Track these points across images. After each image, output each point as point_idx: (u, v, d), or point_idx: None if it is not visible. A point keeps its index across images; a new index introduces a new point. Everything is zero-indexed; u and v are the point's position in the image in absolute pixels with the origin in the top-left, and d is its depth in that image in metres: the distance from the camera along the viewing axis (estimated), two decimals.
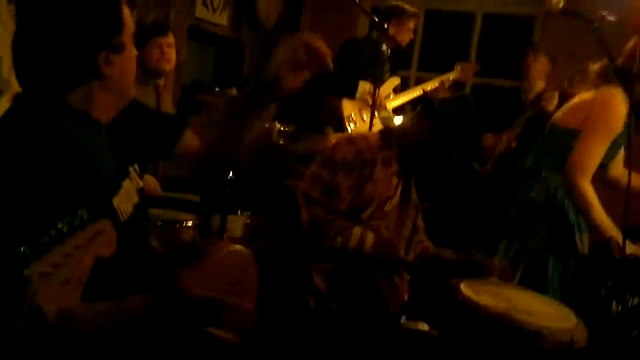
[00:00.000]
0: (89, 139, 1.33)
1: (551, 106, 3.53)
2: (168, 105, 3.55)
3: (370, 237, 2.01)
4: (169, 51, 3.32)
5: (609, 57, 2.22)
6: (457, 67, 4.07)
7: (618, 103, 2.42)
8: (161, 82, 3.34)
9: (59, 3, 1.29)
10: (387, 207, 2.14)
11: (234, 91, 4.58)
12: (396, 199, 2.18)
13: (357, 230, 2.01)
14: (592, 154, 2.48)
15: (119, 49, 1.34)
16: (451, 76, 4.06)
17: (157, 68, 3.30)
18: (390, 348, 1.96)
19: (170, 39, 3.32)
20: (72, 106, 1.32)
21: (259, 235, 2.10)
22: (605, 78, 2.52)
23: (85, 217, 0.96)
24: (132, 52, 1.40)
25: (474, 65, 4.19)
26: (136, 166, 1.51)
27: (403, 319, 2.07)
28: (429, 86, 4.04)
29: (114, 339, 1.23)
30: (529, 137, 3.65)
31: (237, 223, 2.93)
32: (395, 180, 2.17)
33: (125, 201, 1.38)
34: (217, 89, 4.57)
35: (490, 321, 1.83)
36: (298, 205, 1.97)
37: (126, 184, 1.41)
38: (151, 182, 3.08)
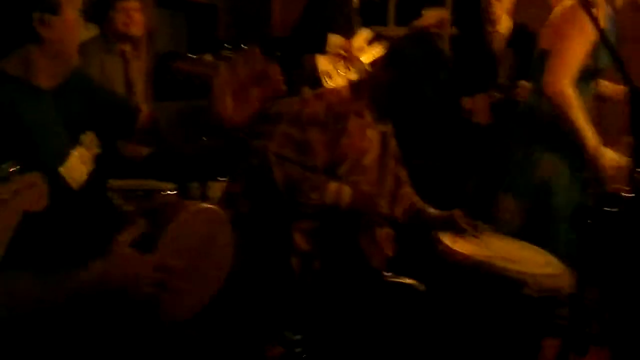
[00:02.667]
0: (28, 106, 1.29)
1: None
2: (139, 75, 3.48)
3: (346, 192, 1.98)
4: (135, 15, 3.24)
5: None
6: (424, 15, 3.93)
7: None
8: (127, 48, 3.27)
9: None
10: (366, 161, 2.10)
11: (209, 57, 4.51)
12: (374, 151, 2.14)
13: (332, 186, 1.98)
14: (567, 56, 2.35)
15: (55, 9, 1.30)
16: (418, 22, 3.91)
17: (124, 32, 3.22)
18: (374, 305, 1.96)
19: (135, 3, 3.24)
20: (9, 73, 1.29)
21: (236, 199, 2.05)
22: None
23: (13, 169, 0.93)
24: (71, 15, 1.35)
25: (443, 12, 4.02)
26: (91, 134, 1.46)
27: (389, 274, 2.07)
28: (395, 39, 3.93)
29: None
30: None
31: (216, 189, 2.90)
32: (371, 133, 2.12)
33: (75, 169, 1.34)
34: (191, 56, 4.49)
35: (472, 270, 1.83)
36: (270, 165, 1.94)
37: (77, 151, 1.37)
38: (135, 148, 3.03)
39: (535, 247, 2.07)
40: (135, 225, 1.37)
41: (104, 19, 3.17)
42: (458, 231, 2.06)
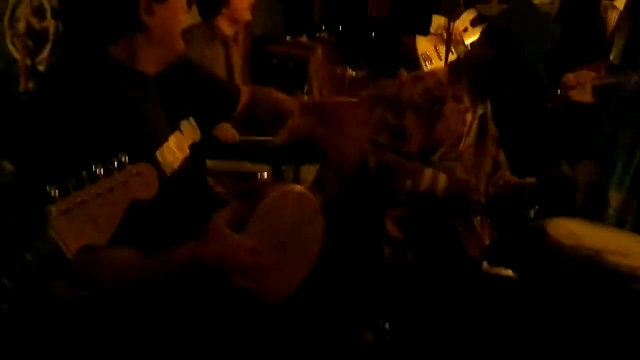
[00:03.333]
0: (132, 91, 1.30)
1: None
2: (237, 59, 3.52)
3: (442, 179, 1.91)
4: None
5: None
6: None
7: None
8: (230, 33, 3.30)
9: None
10: (462, 146, 2.01)
11: (304, 39, 4.51)
12: (472, 136, 2.05)
13: (428, 172, 1.91)
14: None
15: None
16: None
17: (245, 18, 3.24)
18: (471, 296, 1.88)
19: None
20: (114, 59, 1.30)
21: (327, 184, 2.02)
22: None
23: (124, 160, 0.95)
24: (177, 2, 1.34)
25: None
26: (191, 120, 1.47)
27: (485, 265, 1.98)
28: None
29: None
30: None
31: (310, 172, 2.89)
32: (469, 117, 2.03)
33: (170, 154, 1.35)
34: (287, 37, 4.51)
35: (580, 264, 1.72)
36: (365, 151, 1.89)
37: (174, 137, 1.38)
38: (228, 130, 3.06)
39: None
40: (230, 206, 1.37)
41: (226, 5, 3.17)
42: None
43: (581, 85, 3.45)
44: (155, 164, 1.29)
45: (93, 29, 1.28)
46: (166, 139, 1.35)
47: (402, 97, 1.94)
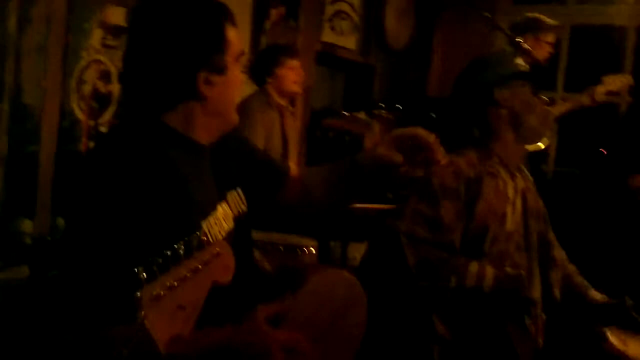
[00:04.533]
0: (186, 159, 1.30)
1: None
2: (294, 131, 3.55)
3: (490, 273, 1.77)
4: (301, 72, 3.34)
5: None
6: (606, 80, 3.61)
7: None
8: (285, 104, 3.35)
9: (165, 21, 1.28)
10: (509, 225, 1.88)
11: (362, 115, 4.52)
12: (518, 213, 1.92)
13: (473, 266, 1.77)
14: None
15: (221, 69, 1.30)
16: (600, 89, 3.59)
17: (292, 90, 3.32)
18: None
19: (298, 61, 3.33)
20: (170, 126, 1.30)
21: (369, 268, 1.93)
22: None
23: (203, 238, 0.91)
24: (235, 75, 1.35)
25: (627, 78, 3.67)
26: (239, 191, 1.45)
27: None
28: (577, 100, 3.62)
29: None
30: None
31: (357, 250, 2.82)
32: (511, 192, 1.92)
33: (217, 225, 1.32)
34: (345, 113, 4.54)
35: None
36: (402, 247, 1.78)
37: (221, 207, 1.36)
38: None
39: None
40: (282, 301, 1.31)
41: (270, 75, 3.26)
42: (626, 324, 1.78)
43: None
44: (202, 233, 1.26)
45: (151, 95, 1.29)
46: (214, 209, 1.33)
47: (433, 184, 1.84)
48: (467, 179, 1.85)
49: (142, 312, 0.78)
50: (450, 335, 1.79)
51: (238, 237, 1.40)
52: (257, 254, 2.04)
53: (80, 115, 3.10)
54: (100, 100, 3.14)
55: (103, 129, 3.12)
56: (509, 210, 1.90)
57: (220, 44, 1.30)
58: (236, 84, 1.36)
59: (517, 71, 1.94)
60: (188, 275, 0.83)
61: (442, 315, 1.81)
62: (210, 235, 1.29)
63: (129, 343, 0.79)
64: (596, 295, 1.98)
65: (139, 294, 0.78)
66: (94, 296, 1.08)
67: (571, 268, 2.07)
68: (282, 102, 3.34)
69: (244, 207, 1.45)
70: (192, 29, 1.27)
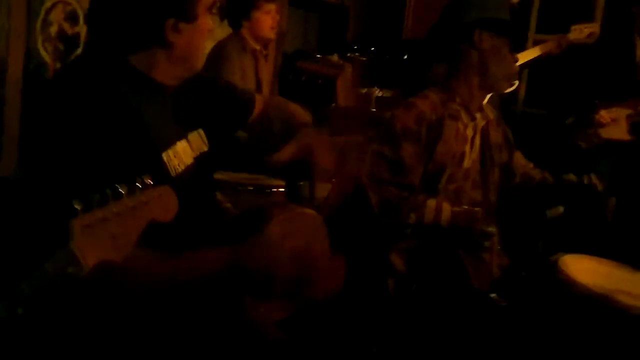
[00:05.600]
0: (147, 98, 1.32)
1: None
2: (267, 74, 3.53)
3: (447, 209, 1.83)
4: (277, 17, 3.30)
5: None
6: (575, 29, 3.69)
7: None
8: (259, 47, 3.32)
9: None
10: (466, 163, 1.94)
11: (335, 57, 4.50)
12: (476, 150, 1.98)
13: (431, 203, 1.83)
14: None
15: (190, 18, 1.30)
16: (570, 36, 3.68)
17: (267, 36, 3.28)
18: (478, 328, 1.81)
19: (275, 5, 3.28)
20: (133, 66, 1.31)
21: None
22: None
23: (147, 181, 0.96)
24: (204, 24, 1.35)
25: (594, 26, 3.76)
26: (201, 132, 1.49)
27: (494, 296, 1.91)
28: (546, 48, 3.69)
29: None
30: None
31: (324, 189, 2.85)
32: (469, 132, 1.96)
33: (176, 158, 1.35)
34: (317, 55, 4.51)
35: (590, 303, 1.65)
36: (365, 188, 1.83)
37: (181, 144, 1.39)
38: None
39: None
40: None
41: (247, 18, 3.22)
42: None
43: (615, 122, 3.37)
44: (161, 163, 1.31)
45: (117, 38, 1.29)
46: (174, 144, 1.36)
47: (395, 128, 1.88)
48: (429, 122, 1.89)
49: (73, 238, 0.88)
50: (405, 269, 1.86)
51: (198, 176, 1.43)
52: (219, 194, 2.07)
53: (46, 57, 3.06)
54: (67, 42, 3.10)
55: None
56: (467, 150, 1.96)
57: None
58: (204, 33, 1.36)
59: (502, 20, 1.95)
60: (124, 211, 0.92)
61: (399, 250, 1.87)
62: (170, 167, 1.33)
63: (57, 263, 0.88)
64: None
65: (72, 221, 0.88)
66: (40, 217, 1.16)
67: (533, 171, 2.17)
68: (257, 46, 3.31)
69: (205, 147, 1.48)
70: None
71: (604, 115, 3.34)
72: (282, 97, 1.77)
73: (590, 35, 3.66)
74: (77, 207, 0.88)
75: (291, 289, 1.36)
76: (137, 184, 0.94)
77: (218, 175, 2.38)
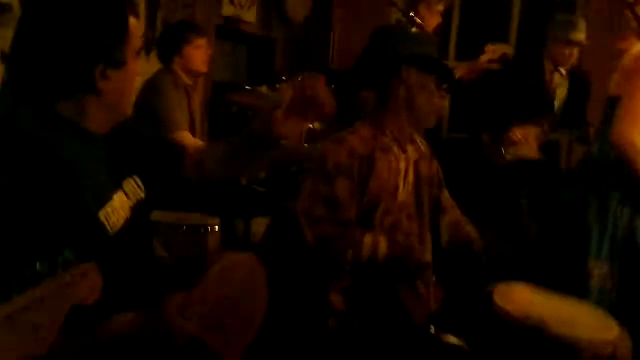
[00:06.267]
0: (78, 148, 1.26)
1: None
2: (197, 107, 3.50)
3: (382, 243, 1.86)
4: (209, 51, 3.28)
5: None
6: (488, 50, 3.87)
7: None
8: (190, 82, 3.30)
9: (64, 6, 1.23)
10: (401, 196, 1.98)
11: (264, 89, 4.51)
12: (410, 182, 2.02)
13: (367, 239, 1.86)
14: (636, 104, 2.24)
15: (119, 63, 1.27)
16: (482, 58, 3.85)
17: (200, 70, 3.26)
18: None
19: (205, 39, 3.27)
20: (61, 115, 1.26)
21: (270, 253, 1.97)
22: None
23: (69, 257, 0.91)
24: (133, 69, 1.32)
25: (506, 47, 3.95)
26: (136, 179, 1.44)
27: (432, 329, 1.94)
28: (461, 71, 3.85)
29: None
30: None
31: (260, 225, 2.84)
32: (402, 165, 2.01)
33: (114, 214, 1.30)
34: (247, 87, 4.51)
35: (525, 333, 1.70)
36: (301, 226, 1.84)
37: (117, 197, 1.34)
38: None
39: (596, 309, 1.91)
40: (187, 292, 1.30)
41: (178, 54, 3.19)
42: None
43: (526, 141, 3.55)
44: (100, 224, 1.25)
45: (42, 85, 1.24)
46: (110, 198, 1.31)
47: (328, 164, 1.90)
48: (360, 157, 1.91)
49: None
50: (345, 307, 1.87)
51: (135, 225, 1.38)
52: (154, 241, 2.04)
53: None
54: None
55: None
56: (400, 183, 1.99)
57: (121, 37, 1.26)
58: (133, 78, 1.34)
59: (429, 56, 2.00)
60: (46, 295, 0.84)
61: (338, 288, 1.88)
62: (109, 225, 1.27)
63: None
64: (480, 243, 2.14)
65: None
66: None
67: (461, 217, 2.20)
68: (189, 82, 3.28)
69: (141, 195, 1.44)
70: (93, 19, 1.23)
71: (516, 133, 3.52)
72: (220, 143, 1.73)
73: (502, 55, 3.87)
74: None
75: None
76: (58, 261, 0.88)
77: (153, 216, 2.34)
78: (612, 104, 2.35)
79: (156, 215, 2.56)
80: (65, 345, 1.09)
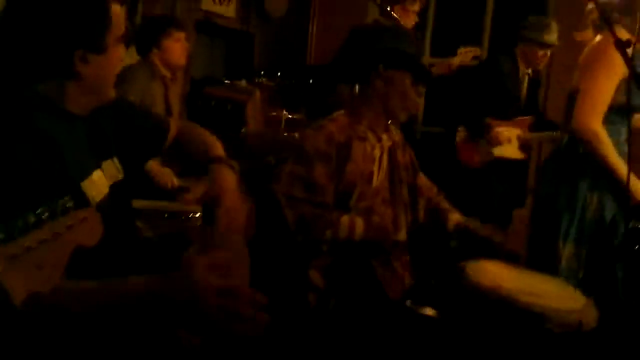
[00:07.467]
0: (59, 127, 1.29)
1: None
2: (175, 99, 3.54)
3: (359, 224, 1.95)
4: (187, 45, 3.31)
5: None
6: (461, 52, 4.01)
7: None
8: (168, 74, 3.33)
9: None
10: (375, 182, 2.07)
11: (243, 83, 4.57)
12: (384, 169, 2.10)
13: (344, 220, 1.94)
14: (595, 93, 2.36)
15: (100, 49, 1.28)
16: (455, 60, 3.99)
17: (178, 63, 3.28)
18: (395, 336, 1.91)
19: (184, 32, 3.30)
20: (42, 95, 1.28)
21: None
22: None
23: (69, 205, 0.93)
24: (116, 53, 1.33)
25: (477, 50, 4.12)
26: (115, 160, 1.47)
27: (408, 303, 2.02)
28: (439, 70, 3.98)
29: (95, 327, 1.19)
30: None
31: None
32: (377, 152, 2.09)
33: (94, 188, 1.33)
34: (226, 81, 4.56)
35: (495, 304, 1.79)
36: (281, 206, 1.91)
37: (96, 174, 1.37)
38: (166, 175, 3.06)
39: (561, 281, 2.04)
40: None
41: (156, 46, 3.22)
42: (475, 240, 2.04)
43: (509, 142, 3.64)
44: (81, 193, 1.28)
45: (23, 68, 1.27)
46: (89, 174, 1.34)
47: (307, 149, 1.98)
48: (338, 144, 1.99)
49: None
50: (323, 284, 1.95)
51: (115, 204, 1.41)
52: (139, 223, 2.08)
53: None
54: None
55: None
56: (375, 169, 2.08)
57: (103, 23, 1.27)
58: (115, 64, 1.35)
59: (406, 53, 2.07)
60: (48, 237, 0.88)
61: (317, 266, 1.96)
62: (89, 197, 1.30)
63: None
64: (456, 216, 2.24)
65: None
66: None
67: (438, 197, 2.31)
68: (167, 73, 3.31)
69: (119, 176, 1.47)
70: (74, 5, 1.25)
71: (501, 134, 3.60)
72: (197, 127, 1.78)
73: (474, 58, 4.02)
74: (0, 236, 0.84)
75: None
76: (58, 207, 0.90)
77: (135, 204, 2.37)
78: (573, 95, 2.47)
79: (138, 203, 2.61)
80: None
